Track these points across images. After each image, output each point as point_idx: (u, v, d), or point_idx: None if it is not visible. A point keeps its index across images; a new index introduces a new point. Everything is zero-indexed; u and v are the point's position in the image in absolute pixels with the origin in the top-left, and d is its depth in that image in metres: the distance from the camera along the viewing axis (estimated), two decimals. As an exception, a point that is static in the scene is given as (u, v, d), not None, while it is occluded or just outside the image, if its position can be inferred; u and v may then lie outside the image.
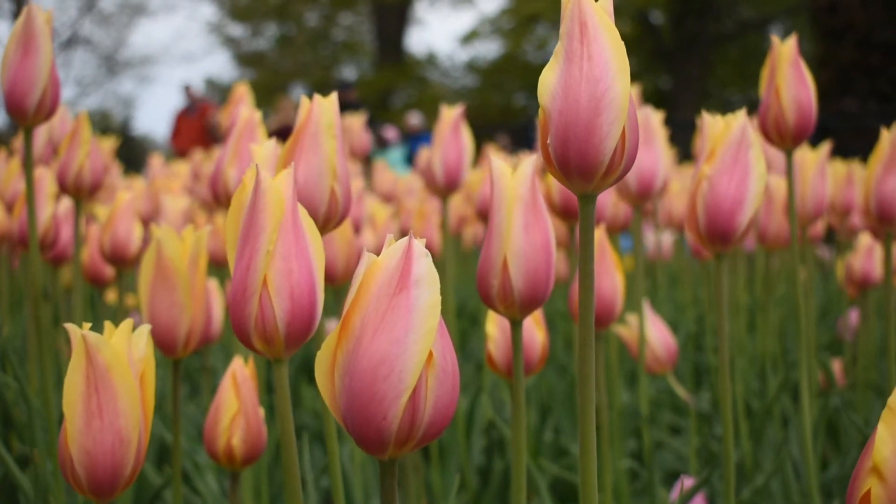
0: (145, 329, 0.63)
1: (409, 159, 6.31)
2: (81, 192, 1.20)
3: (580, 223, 0.55)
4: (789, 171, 1.04)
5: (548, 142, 0.54)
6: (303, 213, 0.60)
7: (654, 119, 1.31)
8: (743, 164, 0.77)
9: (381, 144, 6.49)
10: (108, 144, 2.21)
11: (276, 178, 0.59)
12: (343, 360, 0.46)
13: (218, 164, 1.12)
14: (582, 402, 0.57)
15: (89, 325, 0.60)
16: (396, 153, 6.44)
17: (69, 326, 0.59)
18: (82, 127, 1.20)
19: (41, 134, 1.78)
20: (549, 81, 0.53)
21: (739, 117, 0.78)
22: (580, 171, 0.53)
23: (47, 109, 0.99)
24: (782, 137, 1.01)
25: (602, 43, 0.52)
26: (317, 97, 0.78)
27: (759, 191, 0.77)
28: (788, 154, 1.03)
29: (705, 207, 0.77)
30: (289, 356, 0.60)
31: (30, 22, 0.97)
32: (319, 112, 0.77)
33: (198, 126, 7.42)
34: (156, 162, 3.30)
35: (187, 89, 7.69)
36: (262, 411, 0.88)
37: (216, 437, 0.86)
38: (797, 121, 0.99)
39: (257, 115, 1.13)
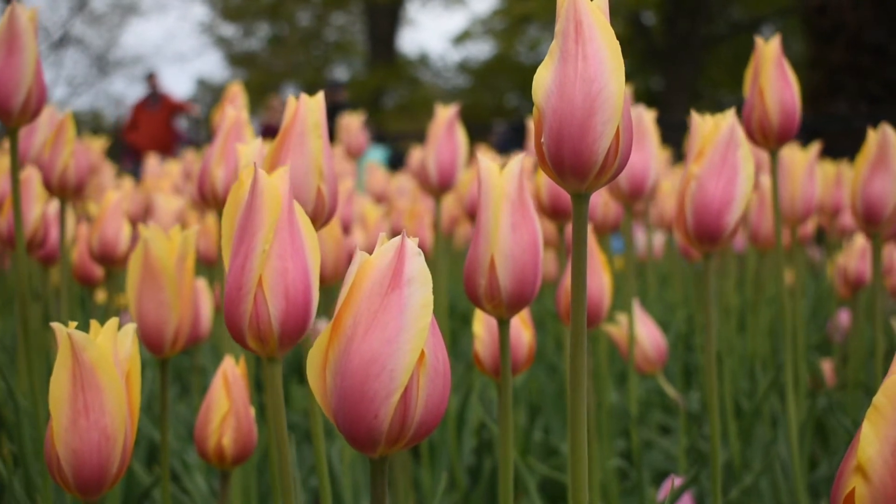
0: (131, 328, 0.63)
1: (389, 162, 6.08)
2: (66, 192, 1.20)
3: (573, 222, 0.55)
4: (774, 172, 1.05)
5: (542, 140, 0.53)
6: (299, 211, 0.60)
7: (646, 119, 1.31)
8: (731, 165, 0.77)
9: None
10: (99, 144, 2.20)
11: (272, 176, 0.59)
12: (335, 358, 0.46)
13: (205, 164, 1.12)
14: (573, 401, 0.57)
15: (76, 324, 0.60)
16: (372, 155, 6.01)
17: (55, 325, 0.59)
18: (66, 127, 1.20)
19: (37, 134, 1.77)
20: (543, 80, 0.53)
21: (728, 117, 0.78)
22: (574, 171, 0.53)
23: (33, 109, 0.98)
24: (766, 138, 1.01)
25: (597, 42, 0.52)
26: (303, 96, 0.78)
27: (748, 191, 0.77)
28: (773, 154, 1.03)
29: (693, 207, 0.77)
30: (282, 355, 0.60)
31: (13, 21, 0.95)
32: (306, 112, 0.77)
33: (160, 121, 6.72)
34: (151, 161, 3.30)
35: (151, 78, 6.92)
36: (252, 411, 0.88)
37: (206, 436, 0.86)
38: (781, 121, 1.00)
39: (244, 114, 1.13)
